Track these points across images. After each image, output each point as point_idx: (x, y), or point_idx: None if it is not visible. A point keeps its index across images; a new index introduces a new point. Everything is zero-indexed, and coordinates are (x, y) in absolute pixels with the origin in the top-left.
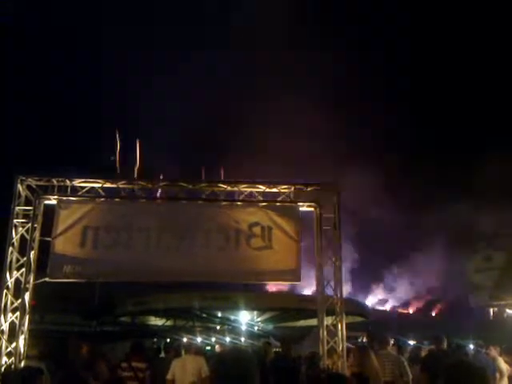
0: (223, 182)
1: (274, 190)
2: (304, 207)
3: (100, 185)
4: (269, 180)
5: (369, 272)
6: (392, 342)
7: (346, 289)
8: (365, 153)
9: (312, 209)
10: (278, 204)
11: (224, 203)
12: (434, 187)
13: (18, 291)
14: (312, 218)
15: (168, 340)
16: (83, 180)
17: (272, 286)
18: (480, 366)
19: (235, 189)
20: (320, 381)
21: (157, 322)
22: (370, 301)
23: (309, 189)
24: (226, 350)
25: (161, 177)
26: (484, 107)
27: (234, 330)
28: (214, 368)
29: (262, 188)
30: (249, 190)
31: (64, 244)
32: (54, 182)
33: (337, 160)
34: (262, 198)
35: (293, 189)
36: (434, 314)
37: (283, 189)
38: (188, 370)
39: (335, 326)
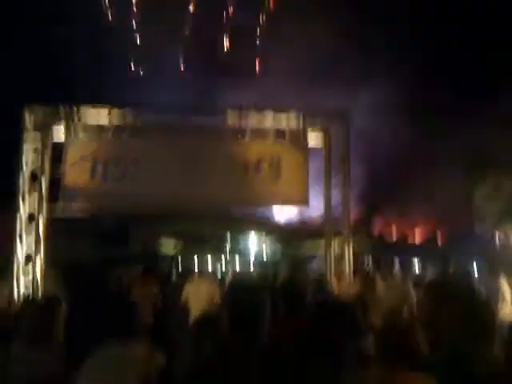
0: (231, 109)
1: (283, 117)
2: (313, 133)
3: (107, 112)
4: (277, 107)
5: (379, 195)
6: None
7: (354, 212)
8: (377, 75)
9: (321, 134)
10: (286, 132)
11: (232, 131)
12: (448, 111)
13: (32, 222)
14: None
15: (179, 265)
16: (91, 106)
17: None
18: (484, 296)
19: (243, 116)
20: (327, 305)
21: (168, 246)
22: (376, 225)
23: (318, 116)
24: (237, 280)
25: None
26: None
27: (244, 256)
28: (226, 297)
29: (270, 115)
30: (257, 117)
31: (75, 176)
32: (62, 110)
33: (348, 83)
34: (269, 125)
35: (302, 115)
36: (439, 239)
37: (292, 116)
38: (201, 294)
39: (342, 249)
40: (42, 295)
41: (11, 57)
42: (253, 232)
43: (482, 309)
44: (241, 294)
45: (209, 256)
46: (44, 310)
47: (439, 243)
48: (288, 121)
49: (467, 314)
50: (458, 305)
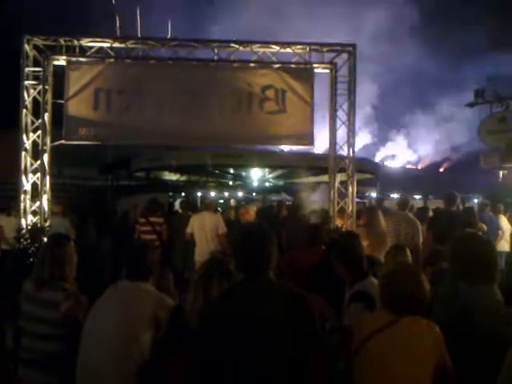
0: (235, 42)
1: (289, 50)
2: (319, 69)
3: (109, 44)
4: (283, 40)
5: (390, 118)
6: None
7: (364, 137)
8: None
9: (327, 70)
10: (292, 66)
11: (236, 65)
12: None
13: (37, 153)
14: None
15: (183, 195)
16: (91, 39)
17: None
18: (487, 238)
19: (248, 49)
20: (331, 240)
21: (171, 177)
22: (380, 156)
23: (325, 49)
24: (246, 225)
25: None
26: None
27: (247, 186)
28: (233, 242)
29: (275, 48)
30: (262, 50)
31: (77, 107)
32: (62, 41)
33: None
34: (275, 60)
35: (308, 49)
36: (442, 171)
37: (298, 49)
38: (206, 225)
39: (346, 187)
40: (51, 234)
41: None
42: (256, 166)
43: (482, 249)
44: (248, 241)
45: (211, 185)
46: (55, 248)
47: (442, 173)
48: (294, 55)
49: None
50: (459, 243)
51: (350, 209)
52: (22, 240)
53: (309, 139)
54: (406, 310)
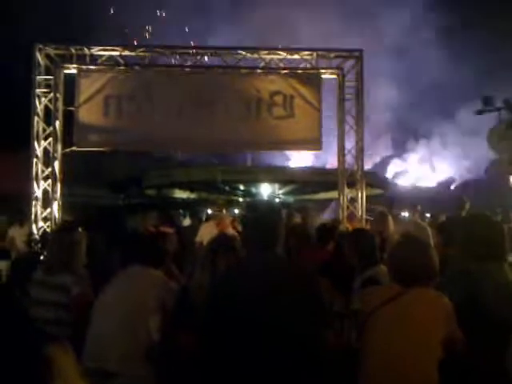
0: (242, 49)
1: (296, 56)
2: (327, 74)
3: (118, 53)
4: (290, 46)
5: (408, 128)
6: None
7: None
8: None
9: (335, 76)
10: (299, 71)
11: (244, 71)
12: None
13: (48, 160)
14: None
15: (193, 211)
16: (101, 48)
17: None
18: (495, 219)
19: (255, 55)
20: (341, 234)
21: (181, 194)
22: (393, 170)
23: (332, 55)
24: (257, 203)
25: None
26: None
27: (252, 200)
28: (244, 219)
29: (283, 54)
30: (269, 56)
31: (88, 113)
32: (73, 50)
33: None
34: (282, 64)
35: (315, 55)
36: (452, 188)
37: (305, 55)
38: (215, 234)
39: (355, 194)
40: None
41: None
42: (266, 182)
43: (490, 229)
44: (256, 213)
45: (220, 202)
46: (62, 234)
47: (452, 191)
48: (301, 61)
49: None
50: (468, 224)
51: (360, 214)
52: (32, 245)
53: (317, 144)
54: (414, 281)
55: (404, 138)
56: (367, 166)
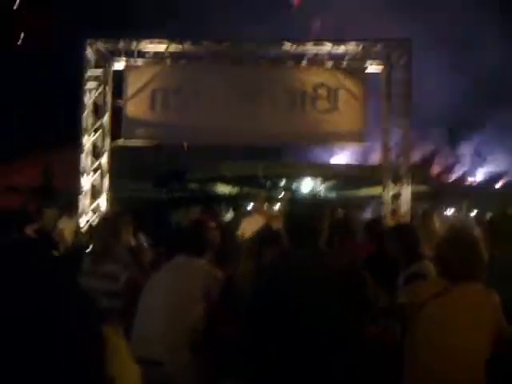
0: (288, 41)
1: (342, 47)
2: (373, 65)
3: (166, 45)
4: (336, 38)
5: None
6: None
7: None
8: None
9: (381, 67)
10: (344, 64)
11: (290, 64)
12: None
13: (96, 154)
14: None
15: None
16: (149, 41)
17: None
18: None
19: (300, 48)
20: (383, 232)
21: (224, 189)
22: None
23: (378, 46)
24: (300, 198)
25: None
26: None
27: (295, 196)
28: (288, 214)
29: (328, 46)
30: (315, 49)
31: (135, 107)
32: (122, 44)
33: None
34: (327, 57)
35: (361, 47)
36: (498, 186)
37: (351, 47)
38: (257, 227)
39: (399, 190)
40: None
41: None
42: (308, 177)
43: None
44: (299, 208)
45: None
46: (104, 221)
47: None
48: (347, 51)
49: None
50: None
51: (405, 210)
52: (80, 236)
53: (361, 136)
54: (461, 276)
55: (456, 127)
56: (414, 158)
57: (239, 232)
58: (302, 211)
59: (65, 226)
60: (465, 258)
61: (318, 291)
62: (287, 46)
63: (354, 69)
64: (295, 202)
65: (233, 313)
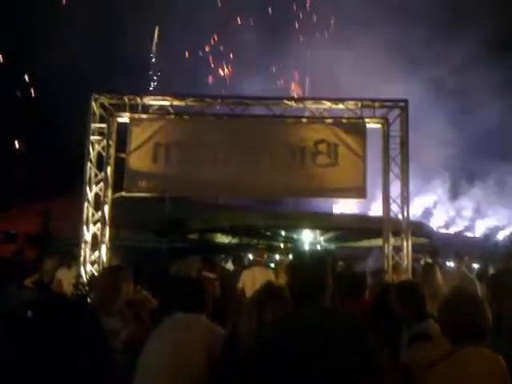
0: (289, 99)
1: (341, 106)
2: (371, 124)
3: (169, 102)
4: (335, 97)
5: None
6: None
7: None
8: None
9: (379, 125)
10: (344, 121)
11: (290, 120)
12: None
13: (98, 205)
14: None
15: (235, 256)
16: (153, 98)
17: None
18: None
19: (301, 106)
20: (386, 285)
21: (223, 239)
22: (435, 223)
23: (376, 105)
24: (302, 254)
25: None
26: None
27: (297, 249)
28: (291, 270)
29: (327, 104)
30: (314, 106)
31: (138, 160)
32: (126, 99)
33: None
34: (327, 114)
35: (360, 105)
36: (499, 240)
37: (350, 105)
38: (257, 280)
39: (400, 243)
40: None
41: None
42: (308, 228)
43: None
44: (304, 263)
45: (262, 248)
46: (102, 276)
47: (499, 242)
48: (346, 110)
49: None
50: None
51: (406, 263)
52: (80, 287)
53: (361, 192)
54: (466, 339)
55: (456, 180)
56: (415, 212)
57: (240, 284)
58: (308, 268)
59: (63, 276)
60: (469, 323)
61: (325, 354)
62: (287, 104)
63: (354, 125)
64: (299, 258)
65: (235, 370)
